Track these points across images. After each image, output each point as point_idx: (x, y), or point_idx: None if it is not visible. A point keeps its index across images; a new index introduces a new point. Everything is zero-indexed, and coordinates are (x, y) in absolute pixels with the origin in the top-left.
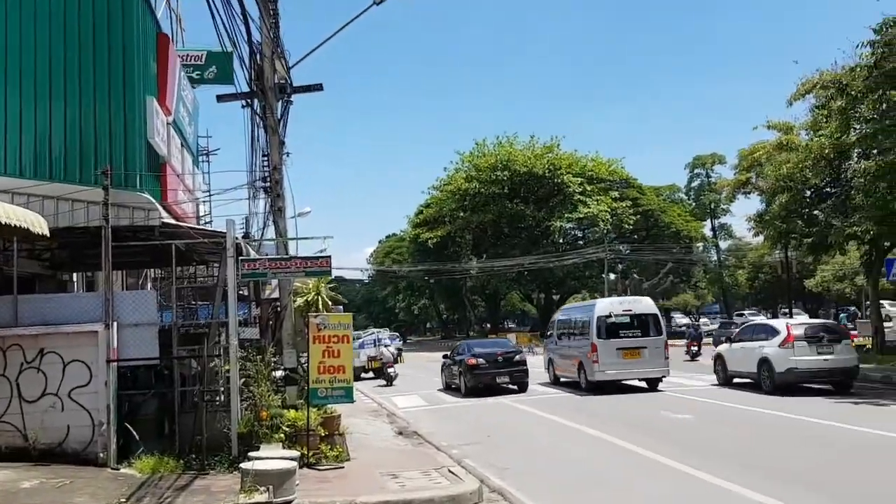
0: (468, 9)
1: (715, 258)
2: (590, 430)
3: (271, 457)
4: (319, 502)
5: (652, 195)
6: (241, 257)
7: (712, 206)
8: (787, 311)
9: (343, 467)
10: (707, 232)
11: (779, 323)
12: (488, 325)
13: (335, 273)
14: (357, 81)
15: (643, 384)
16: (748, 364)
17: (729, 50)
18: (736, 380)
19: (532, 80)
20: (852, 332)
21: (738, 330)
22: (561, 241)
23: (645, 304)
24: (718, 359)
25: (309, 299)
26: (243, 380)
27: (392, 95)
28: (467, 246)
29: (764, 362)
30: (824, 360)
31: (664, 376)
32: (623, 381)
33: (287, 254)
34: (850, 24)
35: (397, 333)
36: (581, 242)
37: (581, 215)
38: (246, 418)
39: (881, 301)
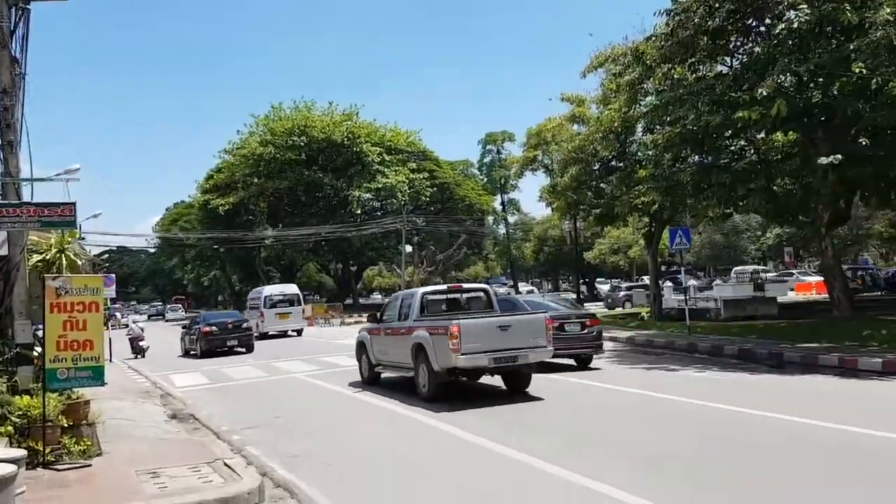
0: None
1: (504, 232)
2: (382, 403)
3: None
4: None
5: (448, 169)
6: None
7: (502, 182)
8: (570, 280)
9: (91, 465)
10: (497, 206)
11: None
12: None
13: (115, 242)
14: (145, 31)
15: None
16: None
17: (526, 35)
18: None
19: (331, 50)
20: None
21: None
22: (359, 211)
23: (292, 288)
24: None
25: (49, 258)
26: None
27: (181, 49)
28: (262, 214)
29: None
30: None
31: (303, 328)
32: (278, 331)
33: (19, 199)
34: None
35: (179, 305)
36: (379, 213)
37: (379, 185)
38: None
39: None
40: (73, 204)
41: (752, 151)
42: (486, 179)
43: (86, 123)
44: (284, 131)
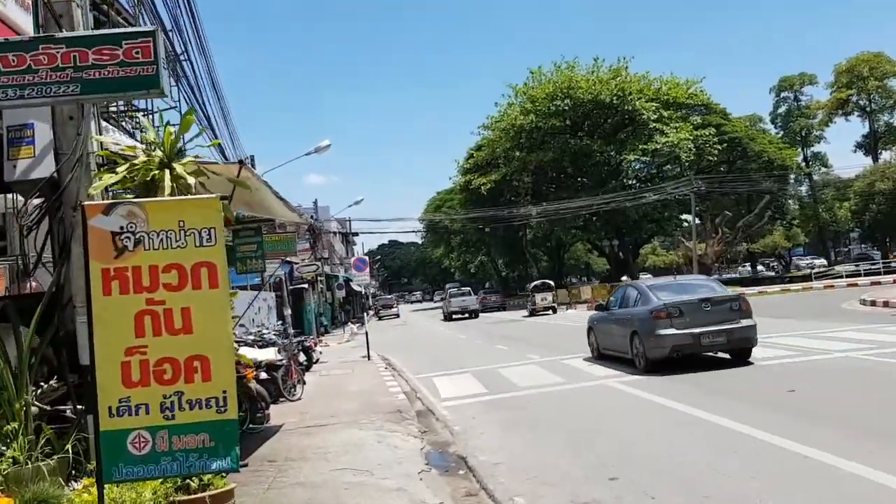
0: None
1: (807, 191)
2: (816, 455)
3: None
4: None
5: (737, 122)
6: None
7: (804, 133)
8: None
9: None
10: (799, 162)
11: None
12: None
13: (387, 235)
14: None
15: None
16: None
17: None
18: None
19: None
20: None
21: None
22: (633, 180)
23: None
24: None
25: (136, 177)
26: None
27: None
28: (525, 191)
29: None
30: None
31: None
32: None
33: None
34: None
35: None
36: (657, 179)
37: (658, 146)
38: None
39: None
40: (154, 32)
41: None
42: (781, 133)
43: (352, 127)
44: (546, 96)
